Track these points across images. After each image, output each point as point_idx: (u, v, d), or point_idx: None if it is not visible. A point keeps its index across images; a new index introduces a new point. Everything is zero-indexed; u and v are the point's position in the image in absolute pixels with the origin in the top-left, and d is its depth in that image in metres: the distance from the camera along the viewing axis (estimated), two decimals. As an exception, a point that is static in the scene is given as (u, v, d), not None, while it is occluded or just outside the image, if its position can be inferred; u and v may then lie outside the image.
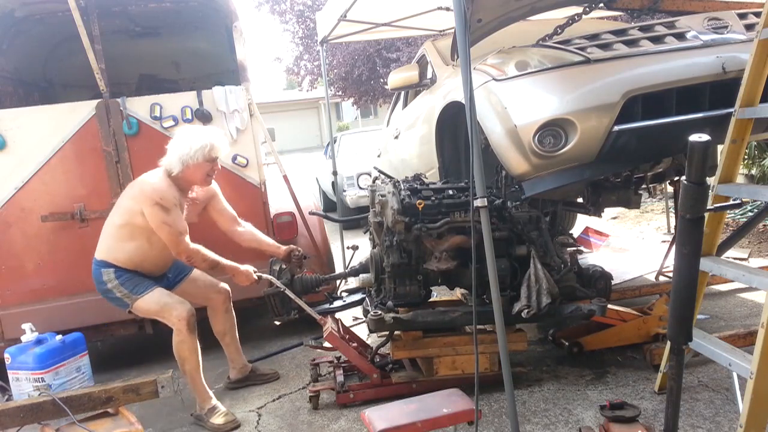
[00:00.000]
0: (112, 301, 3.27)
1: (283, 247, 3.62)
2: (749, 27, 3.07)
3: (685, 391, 2.85)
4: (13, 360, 3.12)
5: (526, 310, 2.97)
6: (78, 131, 3.93)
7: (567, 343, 3.44)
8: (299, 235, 4.48)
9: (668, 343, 1.92)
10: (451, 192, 3.27)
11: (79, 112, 3.95)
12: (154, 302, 3.21)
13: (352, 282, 3.97)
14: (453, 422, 2.26)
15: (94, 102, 3.99)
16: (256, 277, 3.35)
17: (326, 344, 3.34)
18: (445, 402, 2.27)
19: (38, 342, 3.18)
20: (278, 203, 4.54)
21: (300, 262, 3.64)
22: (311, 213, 4.40)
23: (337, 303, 3.76)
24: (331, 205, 9.91)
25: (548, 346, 3.71)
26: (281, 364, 3.97)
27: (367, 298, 3.52)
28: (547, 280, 3.00)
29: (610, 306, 3.51)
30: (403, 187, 3.26)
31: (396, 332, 3.21)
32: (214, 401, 3.27)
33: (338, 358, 3.50)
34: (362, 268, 3.57)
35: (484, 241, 2.51)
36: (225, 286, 3.58)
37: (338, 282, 4.23)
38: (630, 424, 2.10)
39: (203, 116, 4.06)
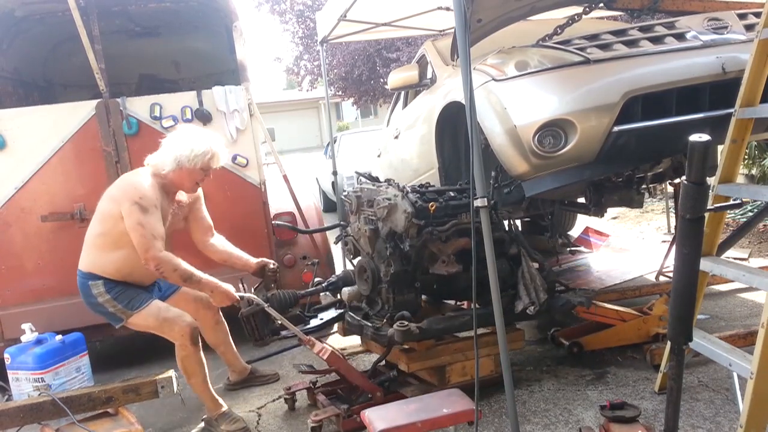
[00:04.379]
0: (102, 314, 3.06)
1: (254, 261, 3.37)
2: (749, 27, 3.07)
3: (686, 391, 2.84)
4: (13, 360, 3.13)
5: (531, 307, 2.96)
6: (78, 131, 3.93)
7: (567, 343, 3.44)
8: (299, 236, 4.48)
9: (668, 343, 1.92)
10: (452, 194, 3.23)
11: (79, 112, 3.95)
12: (153, 317, 3.01)
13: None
14: (453, 422, 2.25)
15: (94, 102, 3.99)
16: (238, 297, 3.07)
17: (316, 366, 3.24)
18: (445, 402, 2.27)
19: (38, 342, 3.18)
20: (278, 203, 4.54)
21: (275, 276, 3.38)
22: (276, 224, 4.24)
23: (314, 321, 3.54)
24: (331, 205, 9.92)
25: (548, 346, 3.71)
26: (281, 364, 3.97)
27: (349, 313, 3.34)
28: (539, 276, 3.01)
29: (610, 306, 3.52)
30: (408, 190, 3.18)
31: (406, 344, 3.07)
32: (224, 408, 3.13)
33: (314, 384, 3.33)
34: (341, 281, 3.42)
35: (485, 240, 2.51)
36: None
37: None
38: (630, 424, 2.10)
39: (203, 116, 4.06)
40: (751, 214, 5.84)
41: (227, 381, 3.73)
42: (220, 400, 3.18)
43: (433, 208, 3.04)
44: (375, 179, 3.65)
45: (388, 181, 3.50)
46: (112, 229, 2.97)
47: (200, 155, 3.00)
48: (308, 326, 3.45)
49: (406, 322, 2.93)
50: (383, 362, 3.24)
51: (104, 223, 3.01)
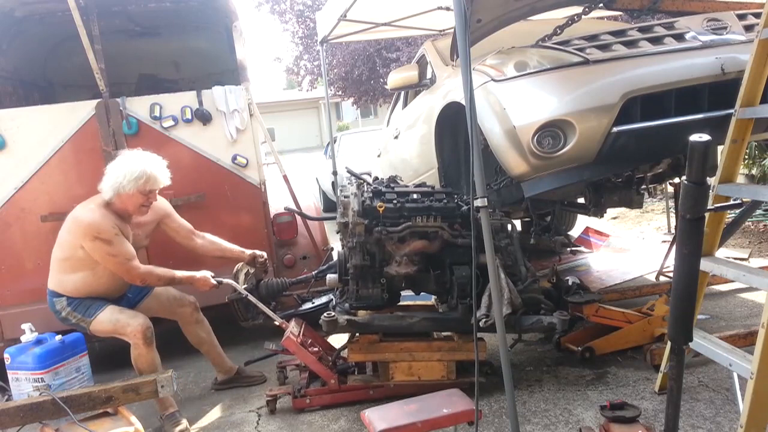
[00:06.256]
0: (72, 326, 3.24)
1: (247, 252, 3.55)
2: (748, 28, 3.07)
3: (686, 392, 2.85)
4: (13, 360, 3.12)
5: (483, 320, 2.91)
6: (78, 131, 3.93)
7: (579, 349, 3.38)
8: (299, 235, 4.48)
9: (668, 343, 1.92)
10: (415, 196, 3.24)
11: (79, 112, 3.95)
12: (106, 321, 3.15)
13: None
14: (453, 422, 2.26)
15: (94, 102, 3.99)
16: (215, 282, 3.28)
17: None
18: (445, 402, 2.27)
19: (38, 342, 3.17)
20: (278, 203, 4.54)
21: (264, 267, 3.57)
22: (285, 209, 4.32)
23: (306, 305, 3.70)
24: (331, 205, 9.92)
25: (548, 346, 3.71)
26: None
27: (333, 300, 3.47)
28: (510, 291, 2.96)
29: (615, 308, 3.50)
30: (366, 189, 3.25)
31: (356, 335, 3.19)
32: (173, 409, 3.20)
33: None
34: (330, 269, 3.51)
35: (485, 241, 2.51)
36: (190, 298, 3.54)
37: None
38: (630, 424, 2.10)
39: (203, 116, 4.06)
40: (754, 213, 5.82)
41: (214, 381, 3.75)
42: (172, 401, 3.22)
43: (383, 209, 3.11)
44: (358, 177, 3.65)
45: (364, 178, 3.54)
46: (72, 256, 3.14)
47: (133, 180, 3.08)
48: (299, 310, 3.64)
49: (333, 313, 3.05)
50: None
51: (64, 250, 3.18)
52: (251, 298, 3.31)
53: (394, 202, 3.17)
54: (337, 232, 3.48)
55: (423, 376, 3.15)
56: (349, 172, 3.62)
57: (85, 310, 3.16)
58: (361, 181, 3.39)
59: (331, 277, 3.37)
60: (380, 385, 3.18)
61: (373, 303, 3.17)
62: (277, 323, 3.35)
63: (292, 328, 3.31)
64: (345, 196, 3.25)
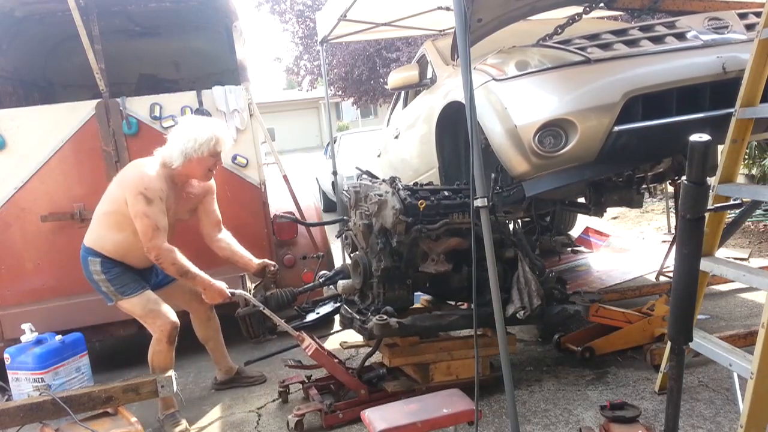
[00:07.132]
0: (96, 290, 3.20)
1: (256, 261, 3.43)
2: (750, 27, 3.07)
3: (686, 392, 2.84)
4: (13, 360, 3.13)
5: (522, 312, 2.94)
6: (78, 131, 3.93)
7: (579, 349, 3.38)
8: (299, 236, 4.48)
9: (668, 343, 1.92)
10: (446, 193, 3.22)
11: (79, 112, 3.95)
12: (140, 306, 3.11)
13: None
14: (453, 422, 2.25)
15: (94, 102, 3.99)
16: (229, 294, 3.17)
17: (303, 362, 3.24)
18: (445, 402, 2.27)
19: (38, 342, 3.18)
20: (278, 203, 4.54)
21: (275, 277, 3.46)
22: (278, 217, 4.27)
23: (311, 316, 3.60)
24: (331, 205, 9.92)
25: (548, 346, 3.70)
26: (282, 365, 3.95)
27: (344, 306, 3.36)
28: (535, 282, 2.98)
29: (615, 308, 3.50)
30: (401, 187, 3.20)
31: (389, 340, 3.12)
32: (173, 409, 3.19)
33: (309, 378, 3.39)
34: (337, 275, 3.46)
35: (485, 241, 2.50)
36: None
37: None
38: (630, 424, 2.10)
39: (203, 116, 4.05)
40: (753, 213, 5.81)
41: (214, 380, 3.74)
42: (172, 401, 3.20)
43: (423, 206, 3.05)
44: (374, 177, 3.64)
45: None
46: (117, 210, 3.09)
47: (205, 143, 3.07)
48: (305, 321, 3.53)
49: (386, 317, 2.96)
50: (378, 359, 3.25)
51: (110, 204, 3.14)
52: (269, 313, 3.16)
53: (431, 199, 3.12)
54: (338, 237, 3.42)
55: (461, 375, 3.11)
56: (361, 171, 3.60)
57: (120, 287, 3.10)
58: (392, 180, 3.31)
59: (345, 283, 3.30)
60: (419, 387, 3.08)
61: (401, 305, 3.13)
62: (294, 336, 3.21)
63: (309, 339, 3.19)
64: (379, 195, 3.14)
